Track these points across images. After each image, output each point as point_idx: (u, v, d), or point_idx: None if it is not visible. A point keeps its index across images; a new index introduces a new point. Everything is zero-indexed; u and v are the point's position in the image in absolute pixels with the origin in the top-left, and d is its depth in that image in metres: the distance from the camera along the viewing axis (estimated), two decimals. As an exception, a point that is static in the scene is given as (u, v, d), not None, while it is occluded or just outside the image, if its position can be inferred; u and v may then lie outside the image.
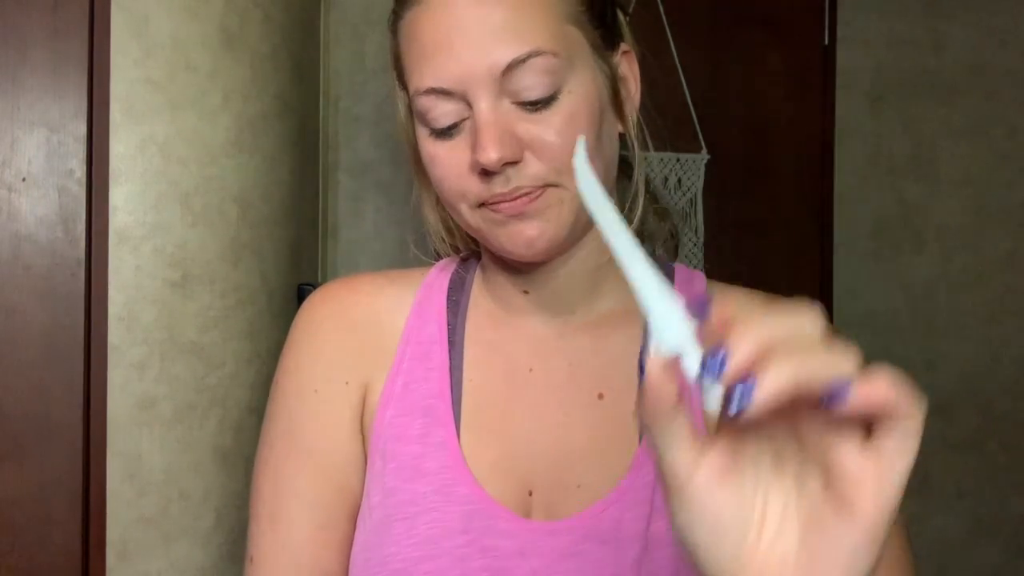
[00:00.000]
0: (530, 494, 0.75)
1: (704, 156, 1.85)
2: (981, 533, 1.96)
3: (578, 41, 0.71)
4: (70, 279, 1.02)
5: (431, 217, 0.84)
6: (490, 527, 0.73)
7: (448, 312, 0.81)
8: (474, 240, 0.85)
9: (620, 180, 0.83)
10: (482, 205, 0.71)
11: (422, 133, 0.72)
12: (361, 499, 0.78)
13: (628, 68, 0.80)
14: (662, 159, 1.84)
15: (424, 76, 0.69)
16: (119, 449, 1.04)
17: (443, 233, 0.85)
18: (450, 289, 0.83)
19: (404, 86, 0.75)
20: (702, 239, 1.85)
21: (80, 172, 1.03)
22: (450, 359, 0.79)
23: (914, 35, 1.95)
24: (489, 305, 0.81)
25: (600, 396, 0.77)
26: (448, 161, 0.71)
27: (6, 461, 1.00)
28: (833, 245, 1.94)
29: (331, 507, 0.78)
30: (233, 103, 1.14)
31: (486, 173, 0.69)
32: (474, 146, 0.68)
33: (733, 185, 1.89)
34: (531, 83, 0.67)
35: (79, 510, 1.02)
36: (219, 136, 1.12)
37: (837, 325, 1.92)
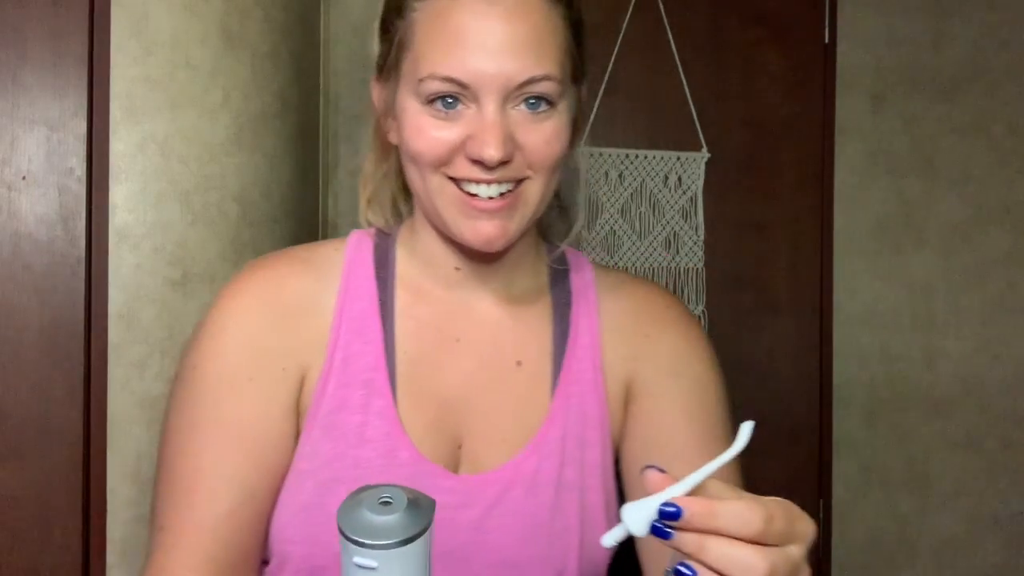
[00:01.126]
0: (459, 447, 0.86)
1: (704, 154, 1.85)
2: (980, 531, 1.96)
3: (568, 70, 0.82)
4: (70, 277, 1.02)
5: (371, 187, 0.93)
6: (433, 485, 0.82)
7: (378, 287, 0.89)
8: (399, 213, 0.95)
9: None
10: (454, 180, 0.81)
11: (412, 106, 0.81)
12: (285, 471, 0.84)
13: (583, 99, 0.91)
14: (662, 157, 1.84)
15: (445, 64, 0.78)
16: (119, 448, 1.03)
17: (377, 207, 0.93)
18: (376, 264, 0.90)
19: (398, 55, 0.83)
20: (702, 237, 1.85)
21: (80, 170, 1.02)
22: (384, 332, 0.87)
23: (914, 33, 1.95)
24: (417, 280, 0.90)
25: (519, 363, 0.89)
26: (437, 136, 0.79)
27: (6, 460, 1.00)
28: (833, 243, 1.94)
29: (254, 486, 0.82)
30: (233, 101, 1.14)
31: (478, 162, 0.78)
32: (478, 139, 0.78)
33: (733, 183, 1.89)
34: (536, 99, 0.78)
35: (79, 509, 1.02)
36: (219, 134, 1.12)
37: (838, 323, 1.93)
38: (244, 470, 0.82)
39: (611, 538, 0.54)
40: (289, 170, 1.31)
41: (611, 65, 1.80)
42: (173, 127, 1.07)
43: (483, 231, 0.81)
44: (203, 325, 0.87)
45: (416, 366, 0.87)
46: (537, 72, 0.77)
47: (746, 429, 0.55)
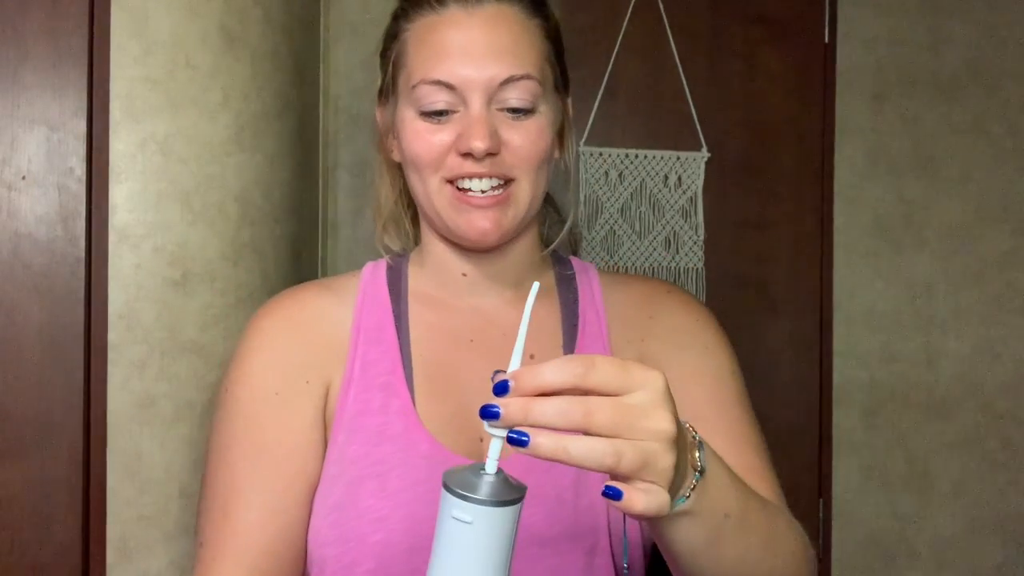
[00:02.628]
0: (481, 440, 0.89)
1: (704, 154, 1.85)
2: (980, 531, 1.96)
3: (549, 77, 0.90)
4: (70, 277, 1.02)
5: (387, 212, 0.99)
6: None
7: (391, 301, 0.95)
8: (409, 237, 1.01)
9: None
10: (451, 183, 0.88)
11: (409, 114, 0.88)
12: (316, 480, 0.88)
13: (568, 111, 0.97)
14: (662, 157, 1.84)
15: (435, 69, 0.86)
16: (119, 448, 1.04)
17: (393, 231, 1.00)
18: (389, 282, 0.97)
19: (394, 74, 0.91)
20: (702, 237, 1.85)
21: (80, 170, 1.03)
22: (399, 339, 0.92)
23: (914, 33, 1.95)
24: (428, 290, 0.97)
25: (532, 357, 0.92)
26: (432, 139, 0.87)
27: (6, 460, 1.00)
28: (833, 243, 1.94)
29: (284, 494, 0.87)
30: (233, 101, 1.14)
31: (468, 155, 0.85)
32: (466, 134, 0.85)
33: (733, 183, 1.89)
34: (518, 97, 0.86)
35: (79, 508, 1.02)
36: (219, 134, 1.12)
37: (838, 323, 1.93)
38: (275, 480, 0.87)
39: (491, 463, 0.59)
40: (289, 170, 1.31)
41: (611, 65, 1.80)
42: (173, 127, 1.07)
43: (478, 224, 0.87)
44: (235, 353, 0.93)
45: (432, 368, 0.92)
46: (517, 71, 0.85)
47: (534, 287, 0.61)
